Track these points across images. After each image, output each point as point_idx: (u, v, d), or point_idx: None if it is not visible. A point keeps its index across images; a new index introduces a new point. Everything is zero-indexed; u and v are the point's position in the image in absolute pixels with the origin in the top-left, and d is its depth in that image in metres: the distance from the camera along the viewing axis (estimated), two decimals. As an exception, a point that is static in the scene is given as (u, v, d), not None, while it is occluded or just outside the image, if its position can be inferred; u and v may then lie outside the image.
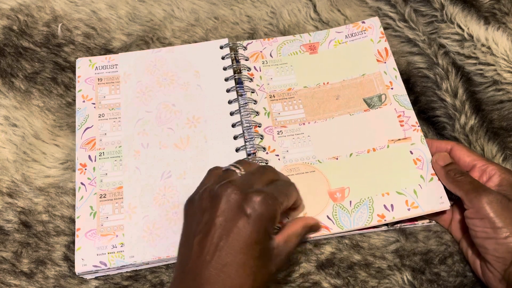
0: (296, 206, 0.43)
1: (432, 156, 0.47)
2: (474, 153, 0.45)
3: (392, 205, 0.45)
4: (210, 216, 0.36)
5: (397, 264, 0.45)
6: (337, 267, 0.45)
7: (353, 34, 0.55)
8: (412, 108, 0.50)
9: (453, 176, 0.43)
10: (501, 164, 0.49)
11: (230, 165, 0.41)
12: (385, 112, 0.50)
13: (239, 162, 0.42)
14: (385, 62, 0.53)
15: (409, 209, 0.45)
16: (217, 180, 0.39)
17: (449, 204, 0.45)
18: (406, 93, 0.51)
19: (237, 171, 0.40)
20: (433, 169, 0.46)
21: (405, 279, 0.44)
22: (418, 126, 0.49)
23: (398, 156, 0.47)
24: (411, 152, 0.47)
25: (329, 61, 0.54)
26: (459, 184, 0.43)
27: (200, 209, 0.37)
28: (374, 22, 0.55)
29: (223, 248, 0.35)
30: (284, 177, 0.43)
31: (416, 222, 0.47)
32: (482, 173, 0.44)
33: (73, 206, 0.47)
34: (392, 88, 0.51)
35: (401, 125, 0.49)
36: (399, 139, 0.48)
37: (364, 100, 0.51)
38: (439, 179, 0.46)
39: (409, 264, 0.45)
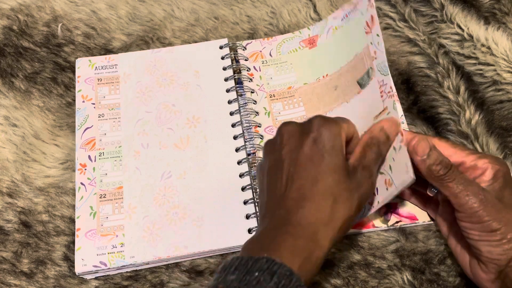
0: (353, 145, 0.40)
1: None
2: (459, 147, 0.42)
3: (376, 188, 0.42)
4: (276, 153, 0.37)
5: (397, 264, 0.45)
6: (337, 267, 0.45)
7: (347, 14, 0.50)
8: (389, 73, 0.44)
9: (436, 174, 0.38)
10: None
11: None
12: (371, 88, 0.45)
13: None
14: (371, 33, 0.46)
15: (387, 189, 0.41)
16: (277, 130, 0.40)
17: (412, 176, 0.38)
18: (385, 58, 0.44)
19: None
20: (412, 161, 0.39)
21: (405, 279, 0.44)
22: (393, 91, 0.43)
23: None
24: None
25: (327, 51, 0.52)
26: (443, 183, 0.38)
27: (267, 155, 0.38)
28: None
29: (294, 174, 0.35)
30: None
31: (416, 221, 0.47)
32: (474, 169, 0.40)
33: (73, 206, 0.47)
34: (376, 58, 0.45)
35: (381, 96, 0.44)
36: (380, 113, 0.43)
37: (358, 82, 0.48)
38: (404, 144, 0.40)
39: (409, 264, 0.45)
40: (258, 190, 0.40)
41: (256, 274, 0.30)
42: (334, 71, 0.51)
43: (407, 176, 0.38)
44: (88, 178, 0.47)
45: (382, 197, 0.42)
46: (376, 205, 0.43)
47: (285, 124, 0.38)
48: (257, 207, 0.46)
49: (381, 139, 0.40)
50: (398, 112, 0.41)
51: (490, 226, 0.37)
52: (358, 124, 0.43)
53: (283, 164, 0.36)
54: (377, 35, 0.44)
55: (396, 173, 0.40)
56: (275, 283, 0.30)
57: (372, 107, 0.44)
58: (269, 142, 0.40)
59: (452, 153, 0.41)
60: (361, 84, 0.47)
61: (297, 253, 0.33)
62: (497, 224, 0.37)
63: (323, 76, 0.52)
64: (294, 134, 0.37)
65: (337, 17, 0.52)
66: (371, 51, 0.45)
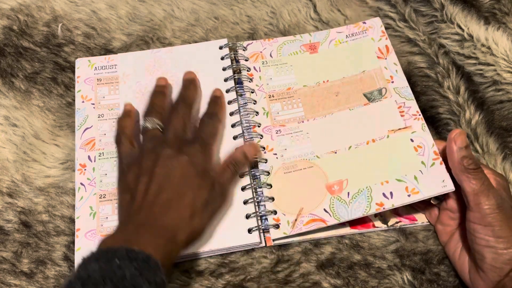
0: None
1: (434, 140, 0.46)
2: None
3: (391, 193, 0.44)
4: (151, 170, 0.41)
5: (397, 264, 0.45)
6: (337, 267, 0.45)
7: (353, 34, 0.55)
8: (413, 98, 0.50)
9: (466, 166, 0.40)
10: (500, 163, 0.49)
11: (146, 122, 0.46)
12: (385, 104, 0.50)
13: (149, 115, 0.46)
14: (385, 59, 0.53)
15: (409, 195, 0.44)
16: (151, 142, 0.44)
17: (453, 187, 0.43)
18: (407, 85, 0.51)
19: (157, 126, 0.45)
20: (447, 147, 0.42)
21: (405, 279, 0.44)
22: (420, 115, 0.48)
23: (398, 145, 0.47)
24: (412, 140, 0.47)
25: (329, 59, 0.54)
26: (470, 179, 0.39)
27: (141, 169, 0.42)
28: (375, 22, 0.56)
29: (165, 187, 0.40)
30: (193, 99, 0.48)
31: (415, 222, 0.47)
32: None
33: (73, 206, 0.47)
34: (392, 82, 0.51)
35: (402, 115, 0.49)
36: (399, 129, 0.48)
37: (364, 95, 0.51)
38: (442, 162, 0.44)
39: (409, 264, 0.45)
40: (118, 187, 0.44)
41: (117, 260, 0.32)
42: (335, 78, 0.52)
43: (444, 189, 0.43)
44: (88, 179, 0.47)
45: (399, 202, 0.44)
46: (389, 207, 0.44)
47: (162, 147, 0.43)
48: (257, 207, 0.46)
49: (239, 160, 0.45)
50: (427, 133, 0.47)
51: (499, 232, 0.38)
52: (364, 129, 0.48)
53: (157, 178, 0.41)
54: (395, 63, 0.52)
55: (427, 185, 0.44)
56: (135, 267, 0.32)
57: (387, 121, 0.49)
58: (146, 155, 0.43)
59: None
60: (369, 98, 0.50)
61: (158, 249, 0.36)
62: (507, 231, 0.38)
63: (324, 81, 0.52)
64: (172, 157, 0.42)
65: (342, 32, 0.55)
66: (385, 74, 0.52)
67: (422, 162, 0.45)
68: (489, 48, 0.54)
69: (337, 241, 0.46)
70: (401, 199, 0.44)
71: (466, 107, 0.51)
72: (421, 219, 0.47)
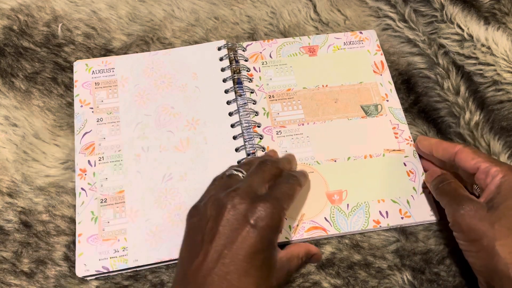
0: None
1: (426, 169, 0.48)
2: (480, 154, 0.43)
3: (387, 212, 0.46)
4: (215, 224, 0.36)
5: (397, 264, 0.45)
6: (337, 267, 0.45)
7: (351, 42, 0.55)
8: (406, 122, 0.51)
9: (436, 185, 0.43)
10: (506, 162, 0.49)
11: (231, 168, 0.41)
12: (381, 122, 0.51)
13: (240, 165, 0.43)
14: (381, 75, 0.54)
15: (402, 218, 0.46)
16: (222, 187, 0.39)
17: (438, 218, 0.46)
18: (400, 107, 0.52)
19: (240, 174, 0.40)
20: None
21: (405, 279, 0.44)
22: (411, 141, 0.50)
23: (392, 165, 0.49)
24: (405, 164, 0.49)
25: (328, 64, 0.54)
26: (440, 193, 0.42)
27: (205, 216, 0.37)
28: (371, 34, 0.56)
29: (226, 256, 0.34)
30: (285, 165, 0.43)
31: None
32: (486, 175, 0.41)
33: (74, 206, 0.47)
34: (387, 100, 0.52)
35: (396, 137, 0.50)
36: (393, 150, 0.49)
37: (362, 107, 0.52)
38: (430, 192, 0.46)
39: (409, 264, 0.45)
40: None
41: None
42: (334, 84, 0.53)
43: (430, 218, 0.46)
44: (89, 183, 0.47)
45: (394, 223, 0.46)
46: (384, 226, 0.46)
47: (231, 196, 0.37)
48: None
49: (307, 258, 0.42)
50: (418, 161, 0.49)
51: (469, 237, 0.38)
52: (362, 143, 0.50)
53: (220, 239, 0.36)
54: (389, 82, 0.53)
55: (417, 211, 0.46)
56: None
57: (383, 139, 0.50)
58: (213, 201, 0.38)
59: (471, 159, 0.42)
60: (366, 112, 0.51)
61: None
62: (474, 235, 0.38)
63: (323, 86, 0.53)
64: (237, 215, 0.36)
65: (339, 38, 0.56)
66: (381, 91, 0.53)
67: (414, 188, 0.48)
68: (489, 48, 0.54)
69: (337, 241, 0.46)
70: (395, 220, 0.46)
71: (466, 108, 0.51)
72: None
